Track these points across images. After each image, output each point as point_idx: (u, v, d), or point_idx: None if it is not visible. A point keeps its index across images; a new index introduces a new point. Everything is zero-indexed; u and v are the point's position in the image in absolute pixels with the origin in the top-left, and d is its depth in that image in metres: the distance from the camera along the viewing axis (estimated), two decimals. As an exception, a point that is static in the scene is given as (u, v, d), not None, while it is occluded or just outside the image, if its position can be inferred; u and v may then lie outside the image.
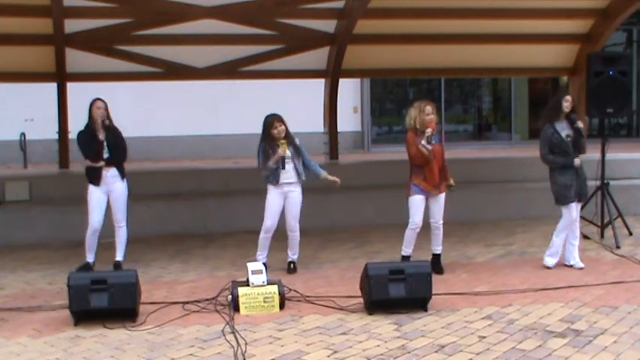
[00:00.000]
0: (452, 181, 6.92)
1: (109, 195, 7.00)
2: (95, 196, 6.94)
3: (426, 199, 6.81)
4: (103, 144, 6.84)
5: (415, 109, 6.78)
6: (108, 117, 6.90)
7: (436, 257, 6.94)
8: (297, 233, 7.08)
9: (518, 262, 7.37)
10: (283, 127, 6.84)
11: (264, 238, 7.02)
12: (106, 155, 6.87)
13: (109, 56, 10.03)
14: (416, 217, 6.81)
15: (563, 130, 6.89)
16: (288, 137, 6.88)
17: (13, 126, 15.58)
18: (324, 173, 7.12)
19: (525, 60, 11.49)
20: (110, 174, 6.94)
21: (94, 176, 6.91)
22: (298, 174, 6.94)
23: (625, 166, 10.81)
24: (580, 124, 6.87)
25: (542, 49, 11.25)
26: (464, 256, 7.78)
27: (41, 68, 10.00)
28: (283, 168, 6.83)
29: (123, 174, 7.03)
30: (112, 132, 6.93)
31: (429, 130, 6.63)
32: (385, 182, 9.91)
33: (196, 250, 8.30)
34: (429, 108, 6.71)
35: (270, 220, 6.96)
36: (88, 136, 6.88)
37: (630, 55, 18.60)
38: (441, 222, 6.88)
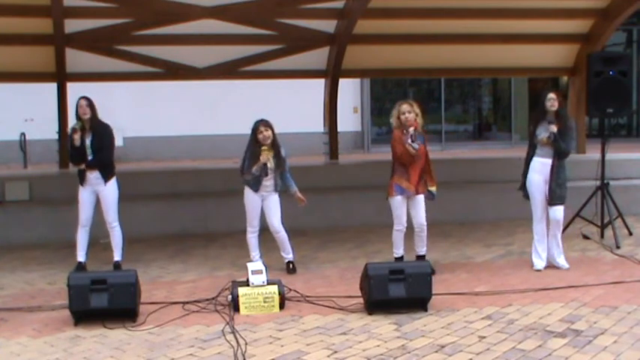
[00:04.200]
0: (434, 188, 6.86)
1: (97, 195, 7.01)
2: (82, 195, 7.00)
3: (406, 200, 6.82)
4: (84, 148, 6.82)
5: (395, 107, 6.81)
6: (93, 115, 6.87)
7: (420, 259, 6.89)
8: (282, 233, 7.05)
9: (518, 262, 7.37)
10: (269, 133, 6.84)
11: (251, 237, 7.08)
12: (89, 157, 6.87)
13: (109, 56, 10.04)
14: (402, 218, 6.81)
15: (546, 130, 6.80)
16: (274, 146, 6.87)
17: (13, 126, 15.60)
18: (294, 190, 7.08)
19: (525, 60, 11.50)
20: (94, 176, 6.93)
21: (80, 177, 6.97)
22: (275, 185, 6.97)
23: (625, 166, 10.80)
24: (553, 128, 6.71)
25: (542, 49, 11.26)
26: (463, 256, 7.78)
27: (41, 68, 10.01)
28: (266, 175, 6.86)
29: (107, 176, 6.96)
30: (99, 133, 6.90)
31: (411, 129, 6.61)
32: (385, 182, 9.83)
33: (196, 250, 8.30)
34: (404, 107, 6.70)
35: (253, 220, 7.03)
36: (69, 141, 6.94)
37: (630, 55, 18.60)
38: (425, 223, 6.83)
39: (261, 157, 6.78)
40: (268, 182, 6.93)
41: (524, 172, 7.03)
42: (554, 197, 6.85)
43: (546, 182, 6.87)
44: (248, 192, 7.01)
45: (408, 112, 6.67)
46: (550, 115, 6.81)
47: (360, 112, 19.19)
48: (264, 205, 7.01)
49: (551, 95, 6.80)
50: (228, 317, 5.51)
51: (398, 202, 6.80)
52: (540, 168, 6.86)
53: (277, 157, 6.90)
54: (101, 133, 6.93)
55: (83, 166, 6.89)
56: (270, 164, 6.85)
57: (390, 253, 7.01)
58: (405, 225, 6.84)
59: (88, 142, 6.86)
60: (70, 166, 10.15)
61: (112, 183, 7.03)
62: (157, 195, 9.67)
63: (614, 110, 8.56)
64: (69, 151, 7.06)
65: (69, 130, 6.93)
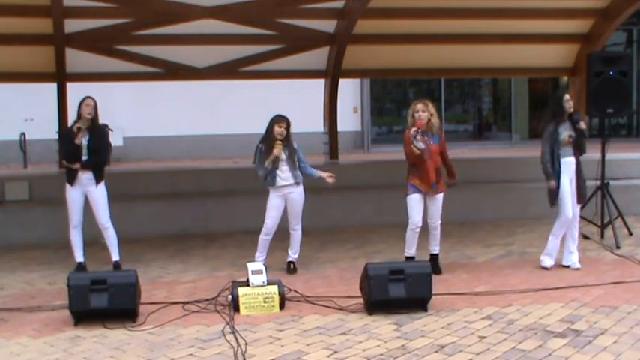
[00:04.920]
0: (452, 180, 6.92)
1: (86, 196, 6.98)
2: (71, 195, 6.94)
3: (424, 199, 6.82)
4: (78, 147, 6.79)
5: (411, 107, 6.83)
6: (96, 116, 6.87)
7: (434, 257, 6.93)
8: (299, 232, 7.10)
9: (518, 262, 7.37)
10: (282, 129, 6.86)
11: (264, 239, 7.05)
12: (84, 158, 6.83)
13: (109, 56, 10.03)
14: (415, 217, 6.81)
15: (566, 130, 6.86)
16: (287, 140, 6.90)
17: (13, 126, 15.60)
18: (318, 173, 7.11)
19: (525, 60, 11.49)
20: (86, 177, 6.89)
21: (70, 176, 6.91)
22: (294, 176, 6.95)
23: (625, 166, 10.81)
24: (582, 126, 6.84)
25: (542, 49, 11.25)
26: (464, 256, 7.78)
27: (41, 68, 10.00)
28: (277, 168, 6.86)
29: (99, 178, 6.93)
30: (97, 134, 6.90)
31: (413, 129, 6.64)
32: (385, 182, 9.91)
33: (196, 250, 8.30)
34: (418, 106, 6.73)
35: (271, 221, 7.00)
36: (68, 137, 6.88)
37: (630, 55, 18.60)
38: (439, 222, 6.87)
39: (274, 151, 6.80)
40: (285, 174, 6.91)
41: (552, 168, 6.84)
42: (583, 195, 6.99)
43: (571, 182, 6.90)
44: (271, 195, 6.98)
45: (422, 110, 6.69)
46: (569, 115, 6.85)
47: (360, 112, 19.19)
48: (288, 205, 7.00)
49: (568, 96, 6.91)
50: (228, 317, 5.52)
51: (414, 201, 6.80)
52: (566, 168, 6.89)
53: (289, 149, 6.92)
54: (99, 134, 6.93)
55: (78, 166, 6.84)
56: (282, 157, 6.87)
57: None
58: (419, 225, 6.82)
59: (84, 142, 6.83)
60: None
61: (102, 185, 6.98)
62: (157, 195, 9.67)
63: (614, 110, 8.57)
64: (64, 148, 6.96)
65: (74, 128, 6.79)
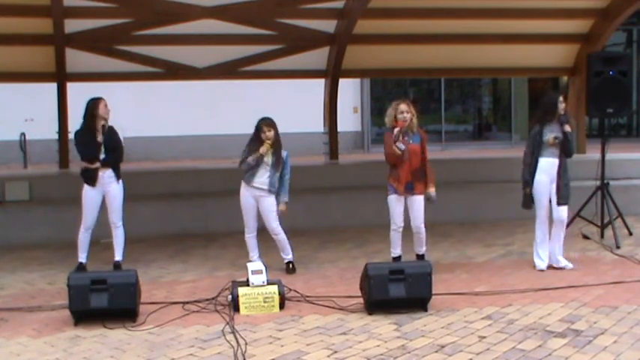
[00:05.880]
0: (431, 190, 6.75)
1: (104, 196, 6.99)
2: (90, 196, 6.94)
3: (405, 200, 6.80)
4: (100, 145, 6.83)
5: (392, 108, 6.79)
6: (107, 116, 6.91)
7: (419, 258, 6.90)
8: (281, 235, 7.03)
9: (518, 262, 7.37)
10: (272, 133, 6.82)
11: (249, 237, 7.09)
12: (102, 156, 6.86)
13: (109, 56, 10.05)
14: (396, 218, 6.80)
15: (552, 131, 6.83)
16: (275, 145, 6.86)
17: (13, 126, 15.61)
18: (285, 199, 6.95)
19: (525, 60, 11.51)
20: (107, 175, 6.92)
21: (90, 177, 6.90)
22: (270, 184, 6.88)
23: (625, 166, 10.81)
24: (568, 128, 6.78)
25: (542, 49, 11.26)
26: (463, 256, 7.78)
27: (41, 68, 10.01)
28: (257, 165, 6.82)
29: (118, 175, 7.01)
30: (110, 133, 6.92)
31: (396, 130, 6.62)
32: (385, 182, 9.88)
33: (196, 250, 8.30)
34: (402, 106, 6.69)
35: (249, 222, 7.02)
36: (86, 136, 6.87)
37: (630, 55, 18.61)
38: (422, 225, 6.80)
39: (260, 148, 6.79)
40: (262, 178, 6.87)
41: (529, 174, 6.89)
42: (562, 197, 6.87)
43: (552, 182, 6.87)
44: (243, 191, 6.98)
45: (406, 112, 6.67)
46: (558, 116, 6.83)
47: (360, 112, 19.21)
48: (260, 207, 6.98)
49: (562, 98, 6.91)
50: (228, 317, 5.51)
51: (393, 202, 6.81)
52: (548, 168, 6.85)
53: (277, 156, 6.89)
54: (112, 132, 6.95)
55: (98, 165, 6.84)
56: (267, 159, 6.85)
57: (390, 253, 7.01)
58: (401, 225, 6.82)
59: (100, 139, 6.85)
60: (70, 166, 10.21)
61: (121, 183, 7.04)
62: (157, 195, 9.67)
63: (614, 110, 8.56)
64: (82, 147, 6.90)
65: (99, 125, 6.78)
